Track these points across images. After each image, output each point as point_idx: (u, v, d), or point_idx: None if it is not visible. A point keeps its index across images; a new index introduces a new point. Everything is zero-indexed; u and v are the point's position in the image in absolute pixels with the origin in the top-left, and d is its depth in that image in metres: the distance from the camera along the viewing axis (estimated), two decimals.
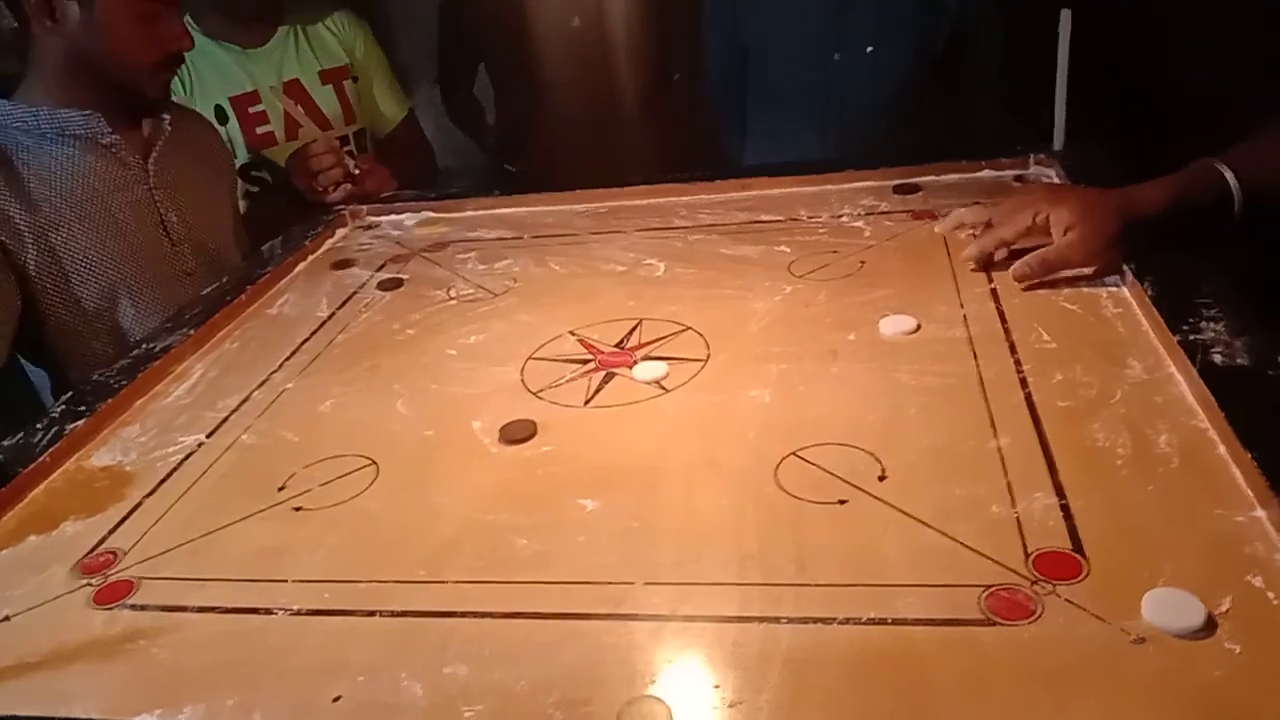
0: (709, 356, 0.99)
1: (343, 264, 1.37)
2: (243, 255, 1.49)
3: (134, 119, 1.37)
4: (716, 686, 0.59)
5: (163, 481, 0.90)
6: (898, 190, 1.33)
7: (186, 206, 1.41)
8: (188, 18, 1.56)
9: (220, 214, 1.49)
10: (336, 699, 0.62)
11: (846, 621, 0.63)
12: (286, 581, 0.74)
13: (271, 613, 0.71)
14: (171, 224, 1.38)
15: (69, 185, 1.28)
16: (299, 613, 0.71)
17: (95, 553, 0.81)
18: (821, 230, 1.25)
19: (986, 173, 1.35)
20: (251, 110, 1.72)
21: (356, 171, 1.53)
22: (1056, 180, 1.28)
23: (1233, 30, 1.51)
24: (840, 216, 1.28)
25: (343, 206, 1.52)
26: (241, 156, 1.71)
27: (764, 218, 1.32)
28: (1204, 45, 1.56)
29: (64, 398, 1.04)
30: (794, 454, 0.81)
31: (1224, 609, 0.59)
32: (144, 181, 1.36)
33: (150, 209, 1.36)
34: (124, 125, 1.34)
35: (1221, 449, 0.74)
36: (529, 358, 1.03)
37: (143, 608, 0.74)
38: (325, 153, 1.52)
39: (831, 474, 0.77)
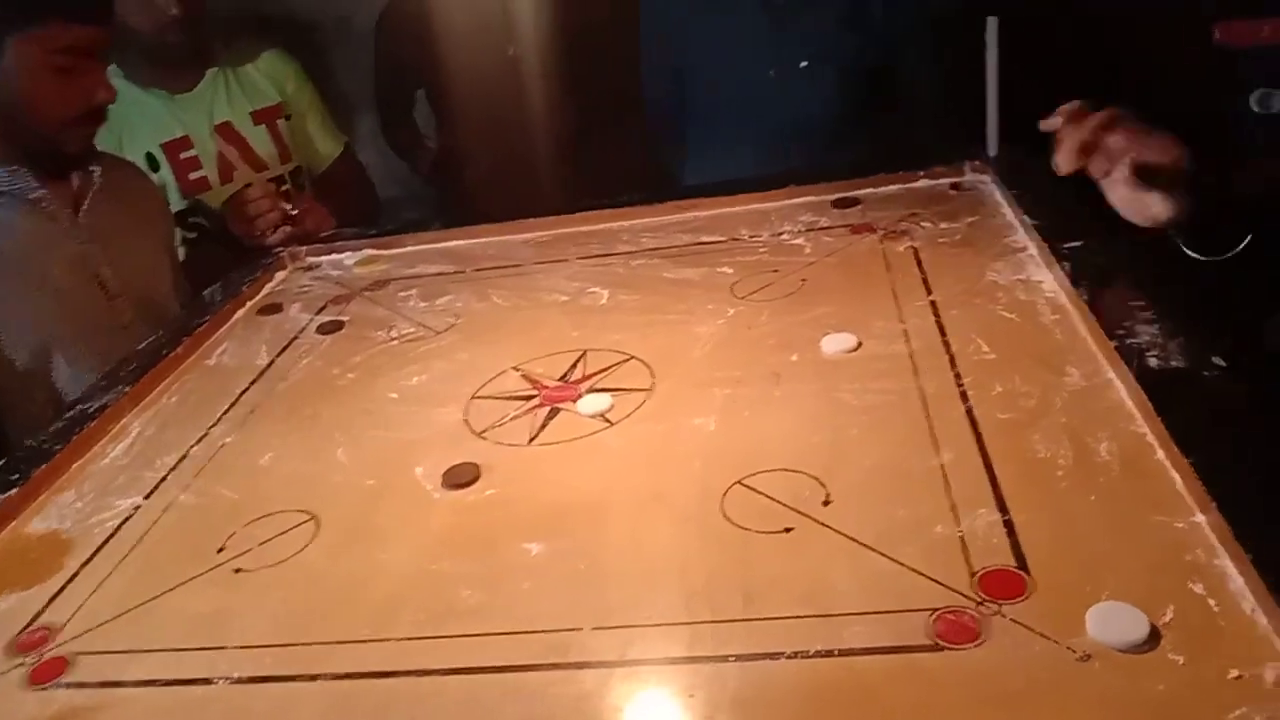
0: (654, 385, 0.98)
1: (279, 309, 1.35)
2: (182, 303, 1.46)
3: (61, 172, 1.34)
4: None
5: (100, 549, 0.88)
6: (837, 205, 1.34)
7: (121, 258, 1.37)
8: (113, 66, 1.54)
9: (157, 263, 1.46)
10: None
11: (795, 655, 0.62)
12: (226, 648, 0.72)
13: (212, 682, 0.69)
14: (106, 278, 1.34)
15: (14, 248, 1.25)
16: (240, 680, 0.69)
17: (30, 629, 0.79)
18: (762, 249, 1.25)
19: (923, 182, 1.35)
20: (183, 156, 1.70)
21: (294, 212, 1.51)
22: (993, 185, 1.28)
23: (1159, 32, 1.53)
24: (781, 234, 1.28)
25: (282, 249, 1.50)
26: (175, 203, 1.68)
27: (706, 239, 1.32)
28: (1134, 49, 1.58)
29: None
30: (740, 482, 0.80)
31: (1167, 619, 0.60)
32: (75, 236, 1.33)
33: (83, 264, 1.33)
34: (51, 179, 1.31)
35: (1160, 454, 0.74)
36: (472, 397, 1.02)
37: (80, 685, 0.72)
38: (261, 197, 1.50)
39: (777, 501, 0.77)
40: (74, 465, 1.03)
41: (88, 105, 1.27)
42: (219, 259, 1.56)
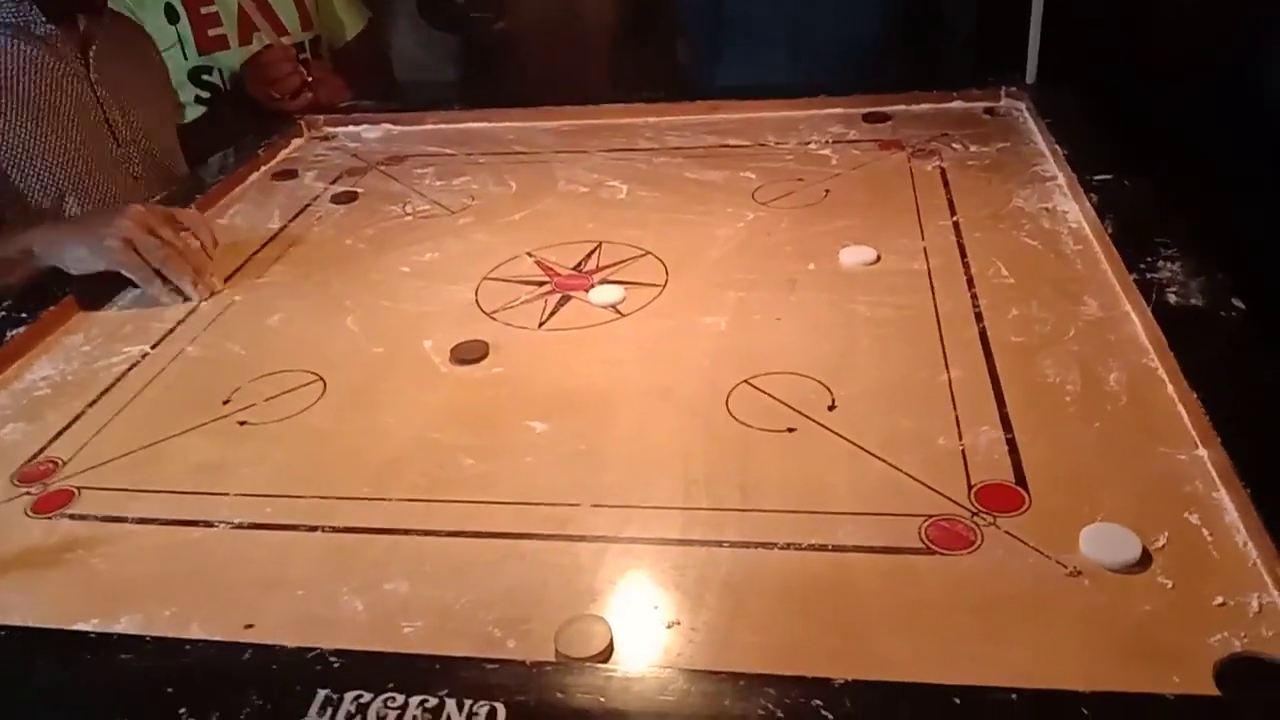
0: (667, 282, 0.98)
1: (294, 175, 1.34)
2: (183, 166, 1.43)
3: (69, 15, 1.28)
4: (655, 607, 0.59)
5: (105, 391, 0.88)
6: (867, 119, 1.32)
7: (130, 107, 1.33)
8: None
9: (164, 119, 1.43)
10: (249, 627, 0.61)
11: (787, 547, 0.63)
12: (228, 495, 0.73)
13: (212, 525, 0.70)
14: (116, 123, 1.31)
15: (4, 75, 1.20)
16: (240, 526, 0.70)
17: (35, 461, 0.79)
18: (788, 157, 1.23)
19: (957, 104, 1.33)
20: (204, 11, 1.65)
21: (310, 80, 1.48)
22: (1027, 113, 1.26)
23: None
24: (808, 144, 1.27)
25: (299, 116, 1.48)
26: (191, 59, 1.65)
27: (731, 142, 1.30)
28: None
29: (4, 304, 1.01)
30: (746, 382, 0.80)
31: (1160, 544, 0.60)
32: (84, 77, 1.28)
33: (94, 106, 1.29)
34: (59, 18, 1.26)
35: (1170, 388, 0.74)
36: (484, 278, 1.02)
37: (82, 517, 0.73)
38: (282, 59, 1.47)
39: (782, 402, 0.77)
40: (82, 310, 1.02)
41: None
42: (231, 121, 1.53)
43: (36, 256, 1.03)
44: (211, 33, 1.66)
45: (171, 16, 1.62)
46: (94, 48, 1.29)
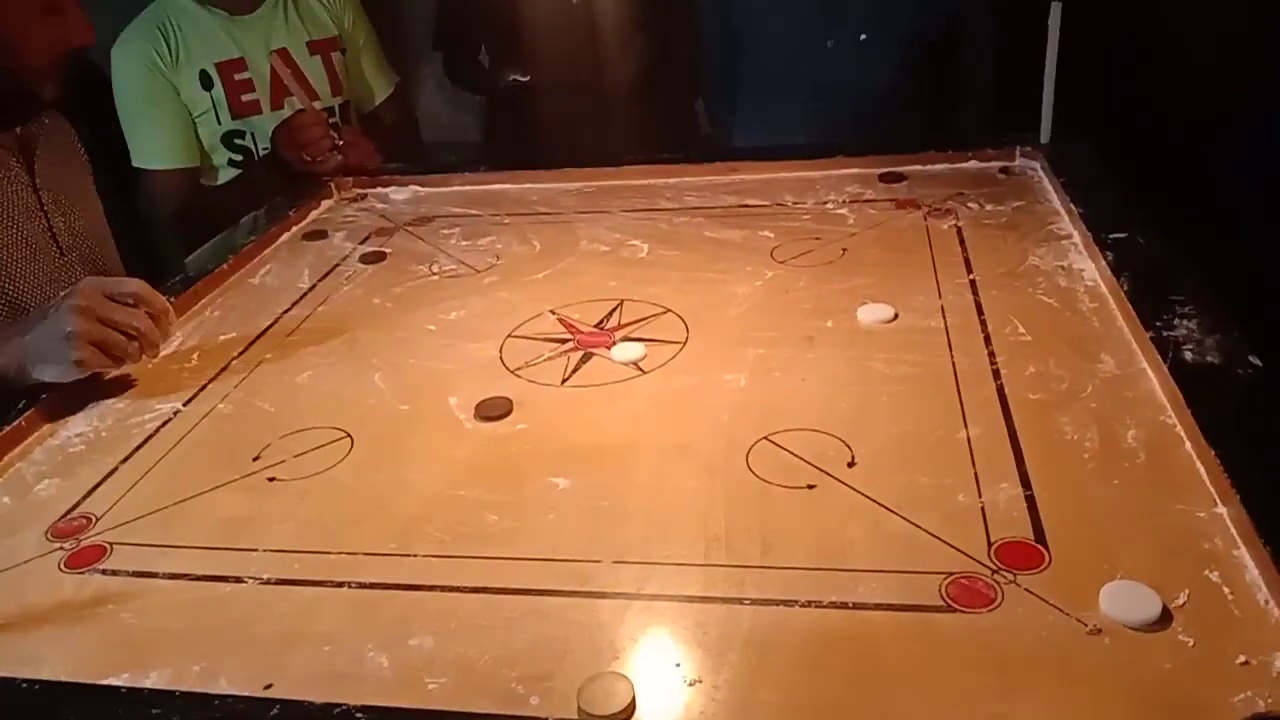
0: (687, 339, 0.99)
1: (323, 235, 1.37)
2: (120, 264, 1.33)
3: (10, 120, 1.19)
4: (678, 665, 0.60)
5: (138, 448, 0.90)
6: (883, 179, 1.34)
7: (71, 212, 1.25)
8: None
9: (99, 220, 1.33)
10: (267, 687, 0.61)
11: (808, 604, 0.63)
12: (257, 551, 0.74)
13: (241, 581, 0.72)
14: (60, 230, 1.22)
15: None
16: (268, 582, 0.71)
17: (68, 517, 0.81)
18: (806, 216, 1.25)
19: (972, 163, 1.35)
20: (237, 77, 1.71)
21: (341, 143, 1.52)
22: (1042, 172, 1.28)
23: (1227, 34, 1.52)
24: (825, 203, 1.29)
25: (329, 178, 1.52)
26: (225, 124, 1.70)
27: (750, 202, 1.32)
28: (1198, 47, 1.57)
29: None
30: (766, 438, 0.81)
31: (1180, 602, 0.60)
32: (29, 185, 1.20)
33: (38, 214, 1.20)
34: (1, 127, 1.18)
35: (1188, 445, 0.74)
36: (508, 335, 1.04)
37: (113, 573, 0.74)
38: (313, 123, 1.52)
39: (801, 459, 0.78)
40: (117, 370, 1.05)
41: (68, 48, 1.13)
42: (263, 183, 1.57)
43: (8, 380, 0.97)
44: (245, 98, 1.71)
45: (206, 83, 1.68)
46: (37, 153, 1.22)
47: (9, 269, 1.15)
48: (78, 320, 0.94)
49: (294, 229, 1.40)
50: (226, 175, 1.71)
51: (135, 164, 1.67)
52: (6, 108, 1.15)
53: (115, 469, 0.87)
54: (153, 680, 0.63)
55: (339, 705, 0.57)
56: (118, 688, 0.61)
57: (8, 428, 0.92)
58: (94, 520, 0.80)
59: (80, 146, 1.33)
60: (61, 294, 0.99)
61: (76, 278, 1.13)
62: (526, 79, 2.08)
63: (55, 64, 1.13)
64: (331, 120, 1.76)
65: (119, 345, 0.97)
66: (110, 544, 0.77)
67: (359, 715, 0.56)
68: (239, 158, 1.72)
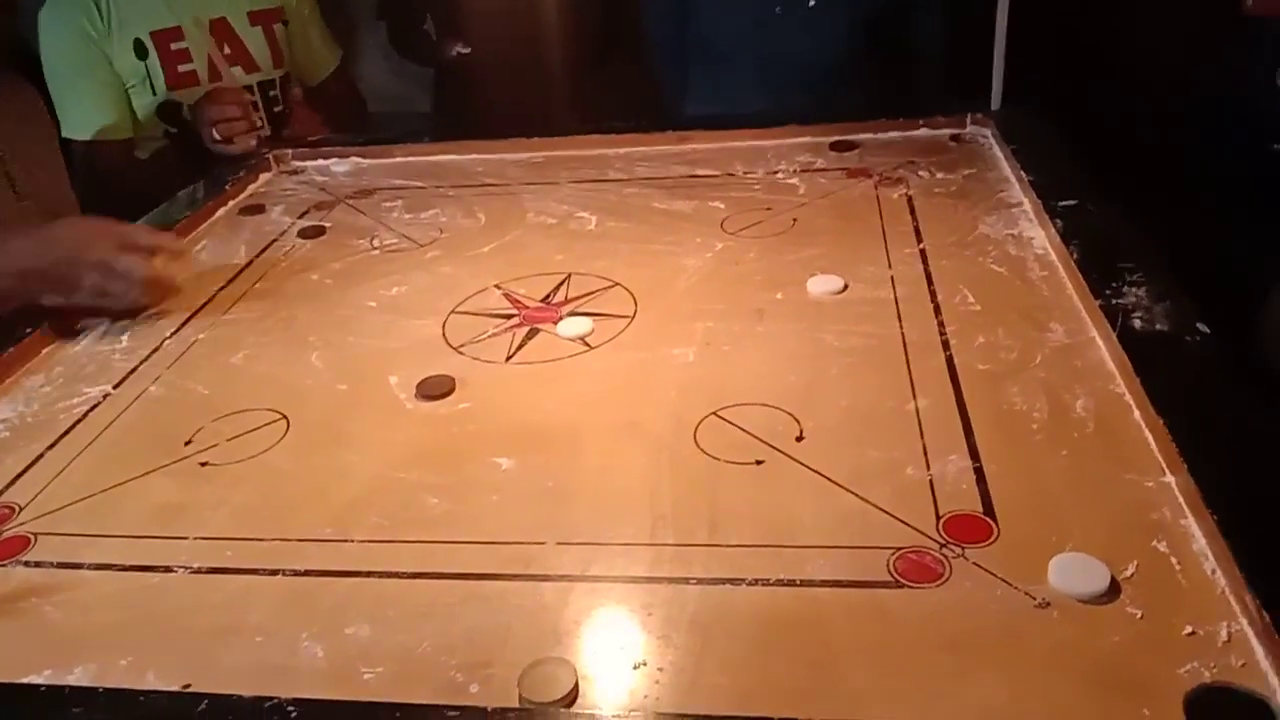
0: (636, 313, 0.97)
1: (261, 210, 1.33)
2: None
3: None
4: (622, 648, 0.58)
5: (65, 434, 0.87)
6: (834, 147, 1.32)
7: (27, 160, 1.30)
8: None
9: (59, 173, 1.39)
10: (185, 687, 0.59)
11: (755, 583, 0.62)
12: (187, 539, 0.72)
13: (171, 570, 0.69)
14: (16, 175, 1.27)
15: None
16: (199, 571, 0.69)
17: None
18: (756, 186, 1.24)
19: (923, 131, 1.34)
20: (174, 47, 1.65)
21: (261, 125, 1.47)
22: (993, 139, 1.27)
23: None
24: (776, 172, 1.27)
25: (266, 151, 1.47)
26: (161, 94, 1.64)
27: (700, 172, 1.30)
28: (1153, 11, 1.56)
29: None
30: (715, 414, 0.80)
31: (1129, 574, 0.60)
32: None
33: None
34: None
35: (1136, 414, 0.74)
36: (451, 311, 1.01)
37: (37, 564, 0.71)
38: (231, 102, 1.47)
39: (750, 434, 0.77)
40: (44, 350, 1.01)
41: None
42: (198, 155, 1.53)
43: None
44: (181, 68, 1.66)
45: (141, 52, 1.62)
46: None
47: None
48: (88, 272, 1.00)
49: (231, 203, 1.36)
50: (158, 150, 1.66)
51: (65, 134, 1.61)
52: None
53: (40, 456, 0.84)
54: (76, 677, 0.60)
55: (270, 699, 0.54)
56: (37, 686, 0.59)
57: None
58: (17, 510, 0.77)
59: (43, 106, 1.38)
60: (63, 227, 1.06)
61: (33, 220, 1.20)
62: (468, 51, 2.03)
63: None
64: (272, 93, 1.72)
65: (127, 275, 1.02)
66: (34, 535, 0.74)
67: (290, 709, 0.53)
68: (175, 130, 1.67)
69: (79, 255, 1.00)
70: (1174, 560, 0.61)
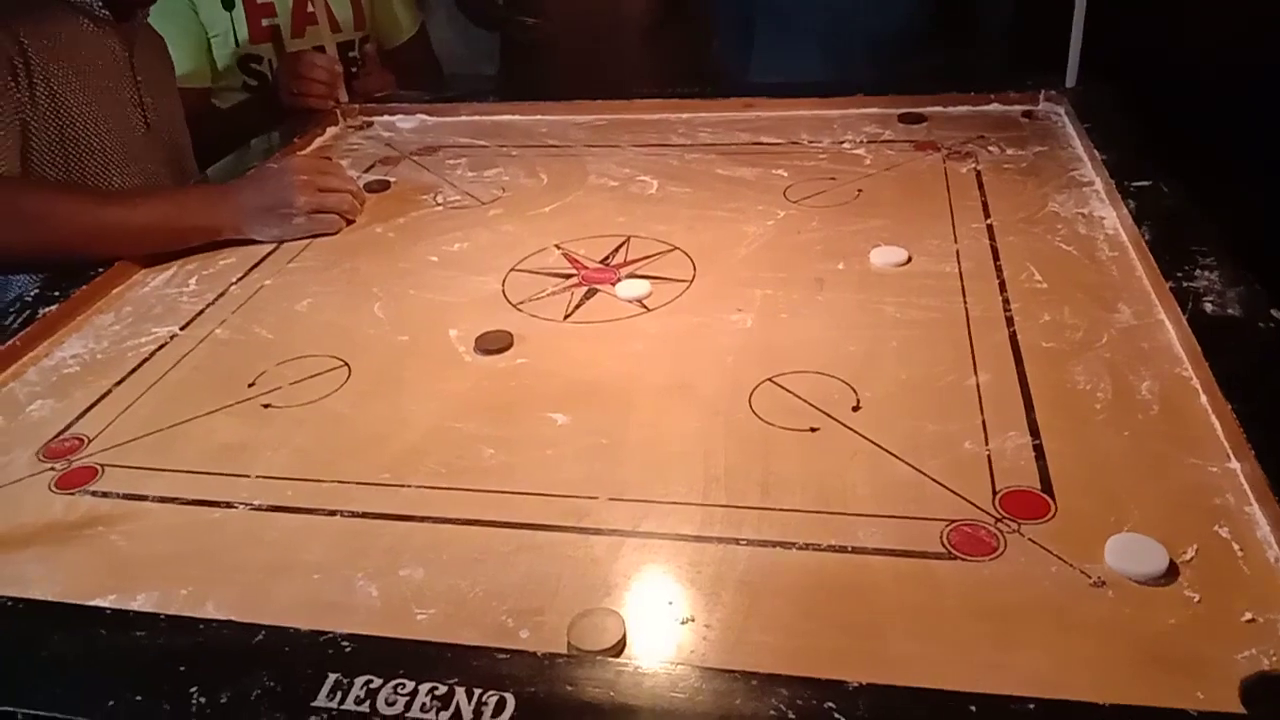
0: (694, 278, 0.97)
1: None
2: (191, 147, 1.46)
3: (127, 10, 1.29)
4: (670, 603, 0.59)
5: (133, 371, 0.89)
6: (902, 119, 1.30)
7: (158, 97, 1.35)
8: None
9: (178, 109, 1.44)
10: None
11: (805, 547, 0.62)
12: (249, 477, 0.73)
13: (232, 506, 0.71)
14: (149, 107, 1.32)
15: (71, 45, 1.21)
16: (259, 508, 0.70)
17: (60, 438, 0.80)
18: (821, 156, 1.22)
19: (995, 106, 1.31)
20: (259, 1, 1.66)
21: (344, 100, 1.49)
22: (1066, 117, 1.24)
23: None
24: (842, 143, 1.26)
25: (335, 105, 1.49)
26: (243, 47, 1.66)
27: (764, 140, 1.29)
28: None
29: (38, 280, 1.02)
30: (770, 380, 0.79)
31: (1188, 557, 0.59)
32: (127, 62, 1.30)
33: (132, 89, 1.30)
34: (115, 12, 1.27)
35: (1203, 399, 0.72)
36: (511, 269, 1.02)
37: (104, 494, 0.73)
38: (320, 76, 1.47)
39: (805, 401, 0.76)
40: (114, 290, 1.04)
41: None
42: (275, 107, 1.54)
43: (214, 231, 1.11)
44: (265, 22, 1.67)
45: (227, 3, 1.63)
46: (135, 46, 1.31)
47: (103, 129, 1.25)
48: (299, 192, 1.11)
49: (298, 154, 1.37)
50: (240, 100, 1.68)
51: None
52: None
53: (109, 391, 0.86)
54: (139, 603, 0.62)
55: (325, 633, 0.56)
56: (103, 609, 0.60)
57: (2, 347, 0.90)
58: (86, 441, 0.79)
59: (168, 50, 1.46)
60: (269, 164, 1.23)
61: (157, 151, 1.34)
62: (533, 23, 2.02)
63: None
64: (351, 54, 1.72)
65: (335, 210, 1.13)
66: (101, 466, 0.76)
67: (345, 644, 0.55)
68: (255, 83, 1.69)
69: (291, 180, 1.12)
70: (1236, 546, 0.59)
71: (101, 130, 1.24)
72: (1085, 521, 0.62)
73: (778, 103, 1.37)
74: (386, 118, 1.49)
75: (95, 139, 1.24)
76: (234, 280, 1.04)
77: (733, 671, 0.51)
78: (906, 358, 0.81)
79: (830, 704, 0.48)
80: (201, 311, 0.98)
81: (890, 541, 0.62)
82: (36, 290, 1.00)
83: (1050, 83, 1.30)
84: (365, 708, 0.50)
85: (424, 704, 0.50)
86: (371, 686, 0.51)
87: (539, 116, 1.44)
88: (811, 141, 1.26)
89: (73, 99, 1.20)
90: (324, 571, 0.64)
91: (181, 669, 0.54)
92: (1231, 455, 0.66)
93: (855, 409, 0.75)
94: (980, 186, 1.09)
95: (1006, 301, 0.87)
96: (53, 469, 0.76)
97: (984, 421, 0.72)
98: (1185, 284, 0.83)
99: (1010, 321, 0.84)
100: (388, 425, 0.79)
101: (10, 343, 0.91)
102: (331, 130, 1.47)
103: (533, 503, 0.68)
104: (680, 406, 0.78)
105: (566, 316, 0.93)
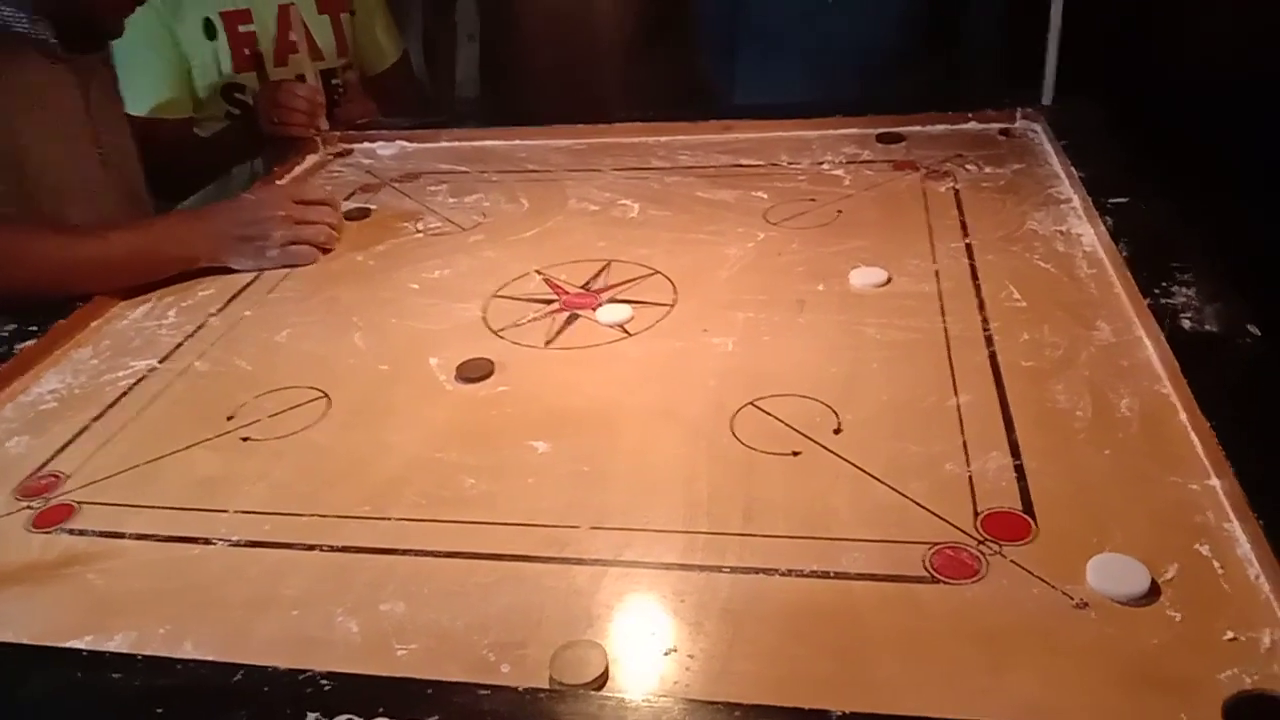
0: (676, 302, 0.97)
1: None
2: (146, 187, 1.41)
3: (85, 49, 1.25)
4: (653, 634, 0.58)
5: (111, 406, 0.88)
6: (881, 139, 1.31)
7: (114, 135, 1.32)
8: None
9: (134, 150, 1.39)
10: None
11: (789, 573, 0.62)
12: (227, 512, 0.73)
13: (210, 543, 0.70)
14: (105, 145, 1.28)
15: (24, 85, 1.18)
16: (238, 544, 0.70)
17: (37, 475, 0.79)
18: (801, 177, 1.23)
19: (972, 124, 1.32)
20: (242, 29, 1.66)
21: (325, 128, 1.49)
22: (1043, 135, 1.25)
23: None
24: (821, 164, 1.26)
25: (315, 133, 1.49)
26: (226, 76, 1.66)
27: (744, 162, 1.30)
28: (1211, 7, 1.53)
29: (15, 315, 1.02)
30: (752, 404, 0.79)
31: (1169, 576, 0.59)
32: (84, 106, 1.25)
33: (89, 131, 1.26)
34: (71, 50, 1.23)
35: (1182, 416, 0.73)
36: (493, 295, 1.01)
37: (81, 532, 0.73)
38: (301, 106, 1.47)
39: (787, 425, 0.76)
40: (92, 324, 1.03)
41: None
42: (256, 138, 1.54)
43: (190, 260, 1.10)
44: (248, 51, 1.67)
45: (209, 32, 1.63)
46: (93, 81, 1.28)
47: (61, 166, 1.21)
48: (275, 226, 1.11)
49: (277, 184, 1.37)
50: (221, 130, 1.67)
51: (127, 110, 1.63)
52: (83, 35, 1.23)
53: (87, 426, 0.85)
54: (117, 643, 0.61)
55: (304, 671, 0.55)
56: (79, 650, 0.60)
57: None
58: (63, 478, 0.79)
59: (118, 85, 1.39)
60: (249, 195, 1.22)
61: (113, 187, 1.29)
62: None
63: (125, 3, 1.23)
64: (334, 82, 1.72)
65: (310, 242, 1.13)
66: (79, 503, 0.75)
67: (324, 682, 0.54)
68: (237, 111, 1.68)
69: (268, 213, 1.12)
70: (1216, 564, 0.59)
71: (60, 167, 1.21)
72: (1067, 542, 0.62)
73: (757, 124, 1.38)
74: (367, 145, 1.49)
75: (53, 176, 1.21)
76: (213, 311, 1.03)
77: (716, 703, 0.51)
78: (887, 379, 0.81)
79: None
80: (180, 344, 0.98)
81: (873, 566, 0.62)
82: (13, 326, 0.99)
83: (1027, 100, 1.31)
84: None
85: None
86: None
87: (518, 142, 1.44)
88: (791, 163, 1.27)
89: (30, 135, 1.18)
90: (303, 607, 0.63)
91: (159, 711, 0.53)
92: (1211, 472, 0.67)
93: (837, 431, 0.75)
94: (959, 205, 1.10)
95: (986, 321, 0.87)
96: (29, 507, 0.76)
97: (965, 442, 0.72)
98: (1163, 300, 0.83)
99: (990, 341, 0.84)
100: (368, 457, 0.78)
101: None
102: (312, 158, 1.46)
103: (514, 533, 0.68)
104: (662, 432, 0.78)
105: (548, 343, 0.92)
